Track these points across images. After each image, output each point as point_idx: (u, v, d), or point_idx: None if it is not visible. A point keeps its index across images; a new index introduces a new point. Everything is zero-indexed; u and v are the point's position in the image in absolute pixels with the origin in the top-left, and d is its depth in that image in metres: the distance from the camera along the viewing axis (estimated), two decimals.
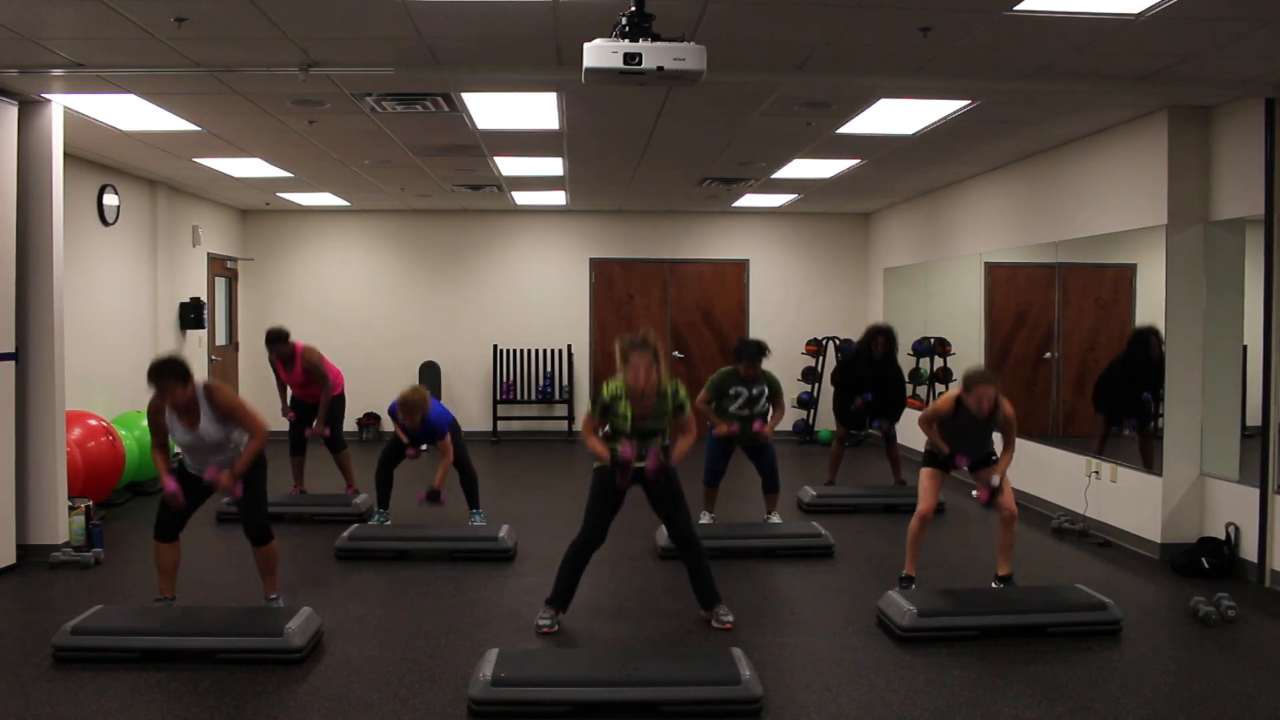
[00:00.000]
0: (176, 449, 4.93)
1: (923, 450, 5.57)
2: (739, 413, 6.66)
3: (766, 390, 6.69)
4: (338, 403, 7.82)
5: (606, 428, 4.92)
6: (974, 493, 5.35)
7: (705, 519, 6.97)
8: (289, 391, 7.85)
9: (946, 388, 9.85)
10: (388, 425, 11.98)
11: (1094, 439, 7.32)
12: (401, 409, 6.65)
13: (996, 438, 5.44)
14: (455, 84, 5.93)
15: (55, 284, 6.27)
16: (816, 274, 12.53)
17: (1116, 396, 7.16)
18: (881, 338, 8.12)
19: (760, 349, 6.66)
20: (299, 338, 7.88)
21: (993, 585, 5.36)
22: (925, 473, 5.45)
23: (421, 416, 6.65)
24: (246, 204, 11.63)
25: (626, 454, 4.69)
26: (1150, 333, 6.55)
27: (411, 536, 6.45)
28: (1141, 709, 3.94)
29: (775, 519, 6.98)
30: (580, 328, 12.36)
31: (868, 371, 8.09)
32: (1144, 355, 6.82)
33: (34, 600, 5.44)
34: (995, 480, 5.21)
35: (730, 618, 4.92)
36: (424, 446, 6.88)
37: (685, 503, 4.97)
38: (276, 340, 7.65)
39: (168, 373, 4.65)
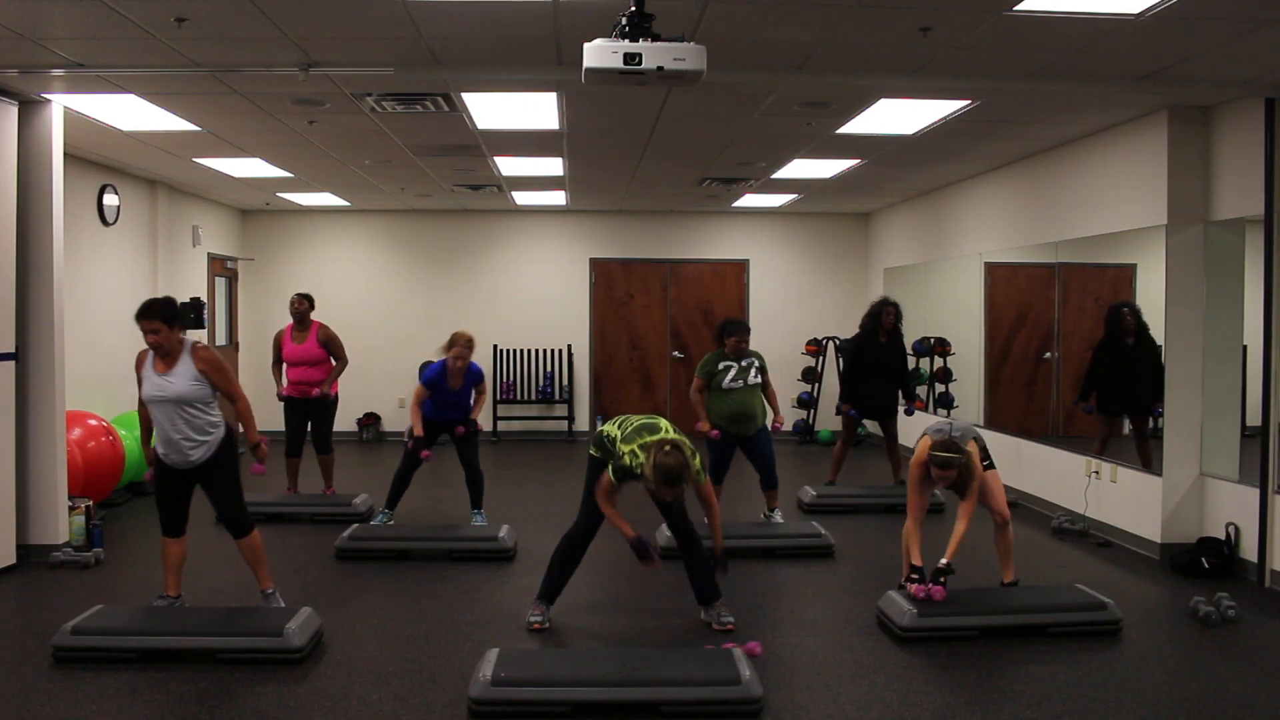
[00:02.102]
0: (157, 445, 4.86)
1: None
2: (732, 384, 6.71)
3: (755, 362, 6.80)
4: (332, 406, 7.81)
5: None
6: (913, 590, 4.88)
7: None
8: (284, 373, 7.78)
9: (946, 388, 9.85)
10: (387, 425, 12.04)
11: (1094, 439, 7.32)
12: (453, 348, 6.72)
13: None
14: (455, 84, 5.93)
15: (55, 284, 6.27)
16: (816, 274, 12.53)
17: (1106, 384, 7.16)
18: (891, 308, 8.12)
19: (745, 325, 6.87)
20: None
21: None
22: (912, 485, 5.23)
23: (469, 357, 6.82)
24: (246, 204, 11.63)
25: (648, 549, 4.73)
26: (1120, 308, 6.42)
27: (411, 536, 6.46)
28: (1141, 709, 3.94)
29: (778, 517, 6.99)
30: (580, 328, 12.36)
31: (877, 356, 8.06)
32: (1118, 333, 6.80)
33: (34, 600, 5.44)
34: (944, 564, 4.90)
35: (730, 618, 4.90)
36: (433, 457, 6.90)
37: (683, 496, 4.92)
38: (307, 298, 7.86)
39: (156, 309, 4.67)
